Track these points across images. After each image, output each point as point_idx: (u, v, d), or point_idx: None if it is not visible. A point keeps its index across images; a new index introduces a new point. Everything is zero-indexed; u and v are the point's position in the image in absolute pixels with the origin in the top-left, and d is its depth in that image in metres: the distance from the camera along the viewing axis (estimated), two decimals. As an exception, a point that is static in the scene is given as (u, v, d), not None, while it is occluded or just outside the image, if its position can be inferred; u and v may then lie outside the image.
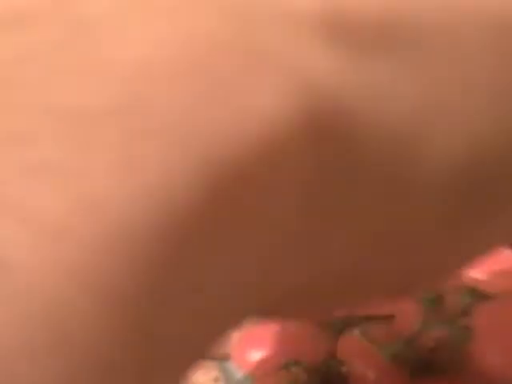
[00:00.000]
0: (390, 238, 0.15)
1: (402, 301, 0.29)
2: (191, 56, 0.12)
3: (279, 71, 0.12)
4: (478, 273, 0.29)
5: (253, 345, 0.29)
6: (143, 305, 0.11)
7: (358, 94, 0.13)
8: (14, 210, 0.10)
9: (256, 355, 0.29)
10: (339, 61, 0.13)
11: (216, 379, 0.28)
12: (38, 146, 0.11)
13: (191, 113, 0.11)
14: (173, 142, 0.11)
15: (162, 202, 0.11)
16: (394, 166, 0.14)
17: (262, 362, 0.28)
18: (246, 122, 0.12)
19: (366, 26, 0.13)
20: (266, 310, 0.15)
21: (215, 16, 0.12)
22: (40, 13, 0.12)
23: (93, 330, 0.11)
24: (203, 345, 0.13)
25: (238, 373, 0.28)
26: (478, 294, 0.29)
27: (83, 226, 0.10)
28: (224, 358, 0.29)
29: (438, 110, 0.14)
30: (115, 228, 0.11)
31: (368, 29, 0.13)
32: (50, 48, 0.11)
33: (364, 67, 0.13)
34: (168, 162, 0.11)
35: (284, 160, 0.12)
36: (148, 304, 0.11)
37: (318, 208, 0.14)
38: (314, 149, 0.13)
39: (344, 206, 0.14)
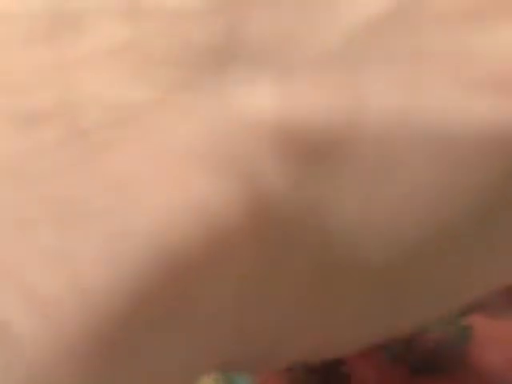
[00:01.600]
0: (322, 321, 0.16)
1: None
2: (155, 161, 0.13)
3: (229, 177, 0.14)
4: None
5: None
6: (116, 373, 0.13)
7: (302, 202, 0.15)
8: (19, 286, 0.12)
9: (256, 355, 0.29)
10: (288, 171, 0.14)
11: (216, 379, 0.28)
12: (39, 232, 0.12)
13: (157, 210, 0.13)
14: (141, 235, 0.13)
15: (129, 285, 0.13)
16: (328, 259, 0.15)
17: (262, 362, 0.28)
18: (196, 214, 0.13)
19: (318, 139, 0.14)
20: None
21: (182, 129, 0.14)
22: (48, 114, 0.13)
23: None
24: None
25: (238, 373, 0.28)
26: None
27: (72, 302, 0.12)
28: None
29: (374, 220, 0.15)
30: (98, 308, 0.12)
31: (319, 142, 0.14)
32: (53, 146, 0.13)
33: (311, 178, 0.15)
34: (134, 253, 0.13)
35: (227, 251, 0.14)
36: (119, 373, 0.13)
37: (254, 299, 0.15)
38: (255, 242, 0.14)
39: (280, 289, 0.15)
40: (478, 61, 0.15)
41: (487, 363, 0.27)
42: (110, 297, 0.12)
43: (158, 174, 0.13)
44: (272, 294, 0.15)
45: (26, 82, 0.14)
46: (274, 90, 0.14)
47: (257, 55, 0.15)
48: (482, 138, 0.15)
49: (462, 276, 0.17)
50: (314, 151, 0.15)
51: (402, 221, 0.15)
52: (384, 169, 0.15)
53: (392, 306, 0.17)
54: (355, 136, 0.15)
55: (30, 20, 0.14)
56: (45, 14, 0.14)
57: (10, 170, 0.13)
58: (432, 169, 0.15)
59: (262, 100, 0.14)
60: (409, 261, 0.16)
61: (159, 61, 0.14)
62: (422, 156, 0.15)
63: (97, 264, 0.12)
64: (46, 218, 0.12)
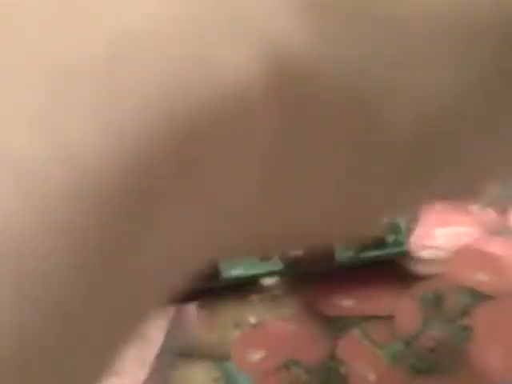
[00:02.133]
0: (349, 190, 0.16)
1: (402, 300, 0.29)
2: (162, 16, 0.12)
3: (249, 34, 0.13)
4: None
5: (253, 345, 0.29)
6: (105, 253, 0.12)
7: (324, 62, 0.14)
8: (3, 156, 0.11)
9: (256, 355, 0.29)
10: (310, 29, 0.13)
11: (216, 379, 0.28)
12: (18, 94, 0.11)
13: (161, 72, 0.12)
14: (141, 100, 0.12)
15: (129, 155, 0.11)
16: (354, 124, 0.14)
17: (262, 362, 0.28)
18: (210, 82, 0.12)
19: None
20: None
21: None
22: None
23: (58, 272, 0.11)
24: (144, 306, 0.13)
25: (238, 373, 0.28)
26: (477, 294, 0.29)
27: (58, 174, 0.11)
28: (224, 358, 0.29)
29: (401, 77, 0.14)
30: (86, 178, 0.11)
31: (342, 2, 0.14)
32: None
33: (333, 37, 0.14)
34: (135, 120, 0.11)
35: (245, 120, 0.13)
36: (111, 254, 0.12)
37: (281, 166, 0.14)
38: (277, 109, 0.13)
39: (306, 161, 0.14)
40: None
41: (487, 363, 0.27)
42: (100, 165, 0.11)
43: (153, 21, 0.12)
44: (297, 167, 0.14)
45: None
46: None
47: None
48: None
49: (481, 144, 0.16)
50: (340, 8, 0.14)
51: (428, 83, 0.15)
52: (408, 28, 0.14)
53: (420, 173, 0.16)
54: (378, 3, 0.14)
55: None
56: None
57: None
58: (455, 36, 0.14)
59: None
60: (434, 126, 0.15)
61: None
62: (446, 22, 0.14)
63: (84, 128, 0.11)
64: (23, 79, 0.11)
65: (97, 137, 0.11)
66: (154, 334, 0.30)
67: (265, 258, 0.31)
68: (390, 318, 0.29)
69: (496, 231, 0.31)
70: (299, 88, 0.13)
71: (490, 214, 0.31)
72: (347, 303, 0.29)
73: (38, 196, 0.11)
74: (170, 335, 0.30)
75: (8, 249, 0.11)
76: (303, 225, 0.16)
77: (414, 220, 0.32)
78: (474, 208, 0.32)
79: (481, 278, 0.29)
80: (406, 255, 0.30)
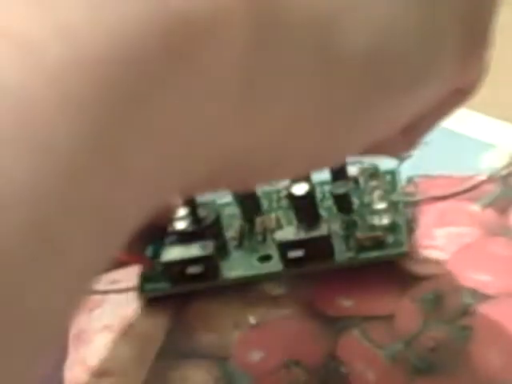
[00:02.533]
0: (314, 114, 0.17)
1: (401, 301, 0.29)
2: None
3: None
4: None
5: (253, 345, 0.29)
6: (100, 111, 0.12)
7: None
8: (4, 33, 0.12)
9: (256, 355, 0.29)
10: None
11: (216, 379, 0.28)
12: None
13: None
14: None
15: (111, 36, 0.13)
16: (322, 45, 0.16)
17: (262, 362, 0.28)
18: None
19: None
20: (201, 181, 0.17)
21: None
22: None
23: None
24: None
25: (238, 373, 0.28)
26: (477, 294, 0.29)
27: (57, 46, 0.12)
28: (224, 358, 0.29)
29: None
30: (82, 52, 0.12)
31: None
32: None
33: None
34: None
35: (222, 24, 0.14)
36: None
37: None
38: (252, 30, 0.15)
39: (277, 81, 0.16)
40: None
41: (487, 363, 0.26)
42: (96, 42, 0.12)
43: None
44: (274, 84, 0.16)
45: None
46: None
47: None
48: None
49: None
50: None
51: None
52: None
53: (379, 96, 0.18)
54: None
55: None
56: None
57: None
58: None
59: None
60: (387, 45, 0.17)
61: None
62: None
63: (80, 6, 0.12)
64: None
65: (86, 13, 0.12)
66: (154, 334, 0.30)
67: (265, 259, 0.31)
68: (390, 318, 0.29)
69: (496, 231, 0.31)
70: (269, 7, 0.15)
71: (490, 214, 0.31)
72: (347, 303, 0.29)
73: (42, 68, 0.12)
74: (170, 335, 0.30)
75: (13, 119, 0.11)
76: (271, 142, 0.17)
77: (414, 220, 0.32)
78: (474, 208, 0.32)
79: (481, 278, 0.29)
80: (405, 255, 0.30)
